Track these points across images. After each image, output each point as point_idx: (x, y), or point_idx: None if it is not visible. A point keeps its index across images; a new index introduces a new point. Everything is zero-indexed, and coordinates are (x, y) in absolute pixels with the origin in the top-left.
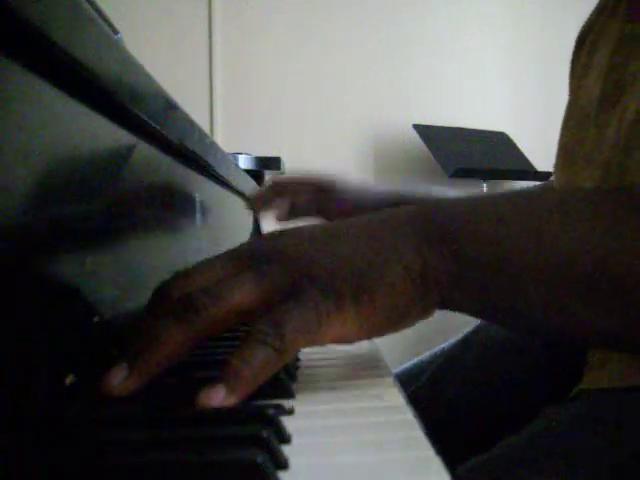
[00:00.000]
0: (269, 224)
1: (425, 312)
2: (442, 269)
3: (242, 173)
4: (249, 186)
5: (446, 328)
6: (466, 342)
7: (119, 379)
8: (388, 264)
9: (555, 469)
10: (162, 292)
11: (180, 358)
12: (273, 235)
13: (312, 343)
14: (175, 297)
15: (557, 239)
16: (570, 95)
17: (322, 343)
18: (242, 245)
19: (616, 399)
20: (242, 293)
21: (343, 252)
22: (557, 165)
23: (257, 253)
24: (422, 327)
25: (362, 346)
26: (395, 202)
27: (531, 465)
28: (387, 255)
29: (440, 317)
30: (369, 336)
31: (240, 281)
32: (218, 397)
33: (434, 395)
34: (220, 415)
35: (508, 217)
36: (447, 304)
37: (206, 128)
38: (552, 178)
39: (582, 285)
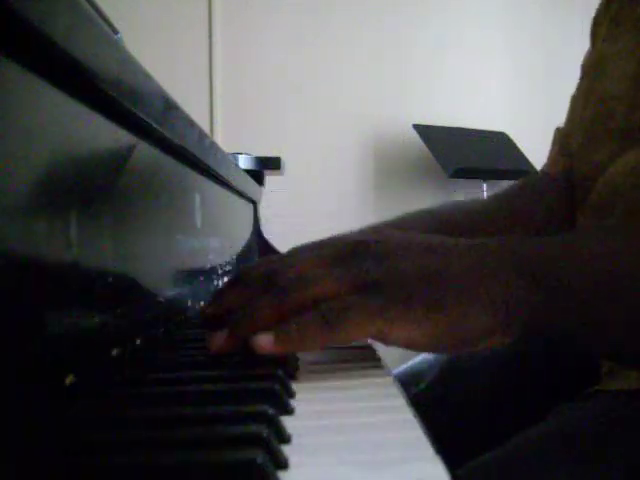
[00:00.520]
0: (269, 223)
1: (506, 337)
2: (529, 300)
3: (242, 173)
4: (249, 186)
5: None
6: None
7: (221, 340)
8: (470, 285)
9: (566, 469)
10: (257, 272)
11: (266, 327)
12: (371, 233)
13: (374, 336)
14: (269, 278)
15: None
16: (587, 68)
17: (387, 343)
18: (339, 238)
19: (634, 400)
20: (327, 285)
21: (431, 264)
22: (573, 137)
23: (352, 251)
24: None
25: (362, 346)
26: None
27: (538, 465)
28: (472, 277)
29: None
30: (435, 348)
31: (330, 275)
32: (266, 342)
33: (437, 396)
34: (220, 415)
35: (595, 255)
36: (530, 332)
37: (206, 128)
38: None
39: None
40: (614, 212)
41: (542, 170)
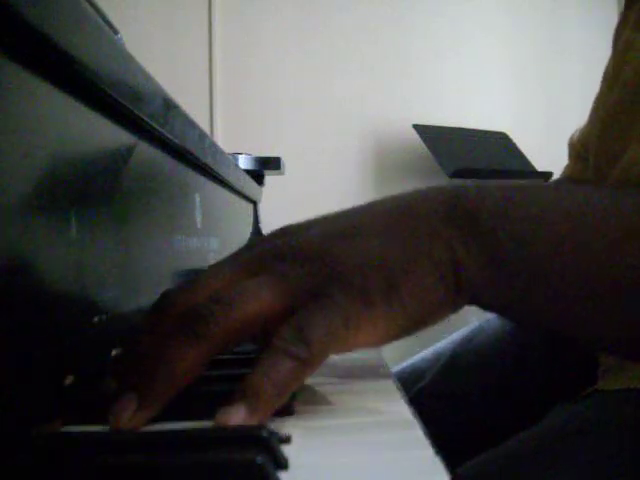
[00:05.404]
0: (269, 223)
1: (454, 309)
2: (473, 266)
3: (242, 173)
4: (249, 186)
5: (446, 323)
6: (470, 341)
7: (129, 413)
8: (416, 260)
9: (564, 469)
10: (164, 307)
11: (194, 379)
12: (284, 231)
13: (341, 350)
14: (180, 312)
15: (597, 247)
16: (610, 67)
17: (352, 349)
18: (248, 246)
19: (631, 400)
20: (257, 298)
21: (368, 247)
22: (592, 135)
23: (270, 253)
24: None
25: None
26: None
27: (539, 465)
28: (415, 250)
29: None
30: (399, 337)
31: (254, 285)
32: (238, 417)
33: (437, 395)
34: None
35: (546, 216)
36: (476, 301)
37: (206, 128)
38: (562, 172)
39: (629, 297)
40: None
41: (565, 175)
